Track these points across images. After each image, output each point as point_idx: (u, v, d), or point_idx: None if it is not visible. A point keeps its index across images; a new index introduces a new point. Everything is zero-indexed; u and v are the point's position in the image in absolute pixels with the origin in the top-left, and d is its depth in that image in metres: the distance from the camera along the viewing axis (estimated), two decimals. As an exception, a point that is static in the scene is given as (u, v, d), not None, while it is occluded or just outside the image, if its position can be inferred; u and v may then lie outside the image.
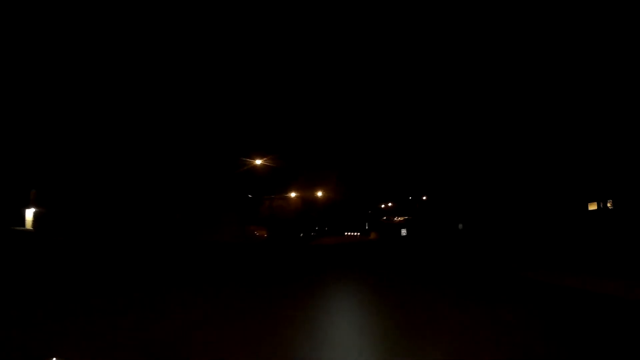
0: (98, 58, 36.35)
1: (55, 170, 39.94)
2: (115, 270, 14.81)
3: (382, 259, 21.42)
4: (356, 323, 6.45)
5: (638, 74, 23.65)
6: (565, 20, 27.69)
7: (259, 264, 18.29)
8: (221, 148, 39.99)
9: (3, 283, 10.86)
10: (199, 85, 40.79)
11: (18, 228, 41.61)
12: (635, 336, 5.59)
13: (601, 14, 25.04)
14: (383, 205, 71.37)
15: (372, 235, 53.46)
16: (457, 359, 4.72)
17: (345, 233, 50.21)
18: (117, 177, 38.14)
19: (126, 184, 38.46)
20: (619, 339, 5.41)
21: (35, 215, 43.31)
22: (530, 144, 32.77)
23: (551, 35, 29.10)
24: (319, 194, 46.31)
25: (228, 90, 40.39)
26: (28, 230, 41.61)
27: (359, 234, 52.07)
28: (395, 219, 70.32)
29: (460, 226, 50.76)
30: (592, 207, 29.16)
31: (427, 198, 68.28)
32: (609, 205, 28.15)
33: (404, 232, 55.26)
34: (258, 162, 36.70)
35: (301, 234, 42.31)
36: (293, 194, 44.13)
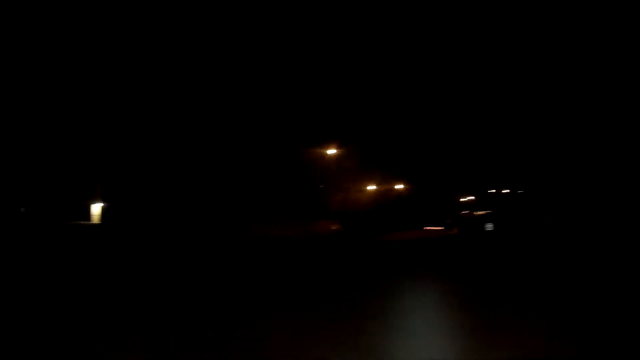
0: (160, 53, 34.98)
1: (118, 164, 39.12)
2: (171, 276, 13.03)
3: (473, 258, 18.67)
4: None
5: None
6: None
7: (322, 269, 14.73)
8: (289, 136, 36.70)
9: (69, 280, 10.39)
10: (265, 68, 37.80)
11: (84, 222, 40.89)
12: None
13: None
14: (463, 199, 66.21)
15: (454, 231, 49.00)
16: None
17: (425, 227, 45.62)
18: (178, 169, 36.39)
19: (186, 174, 36.56)
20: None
21: (102, 209, 42.50)
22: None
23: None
24: (398, 186, 42.14)
25: (302, 75, 37.21)
26: (95, 225, 40.73)
27: (440, 228, 47.45)
28: (476, 212, 65.11)
29: (550, 220, 48.24)
30: None
31: (510, 191, 64.64)
32: None
33: (489, 226, 50.81)
34: (331, 151, 33.10)
35: (379, 228, 38.15)
36: (370, 186, 40.22)
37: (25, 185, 40.26)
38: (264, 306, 8.59)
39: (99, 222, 41.08)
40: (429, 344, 5.81)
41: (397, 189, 43.85)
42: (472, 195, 71.85)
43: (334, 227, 37.54)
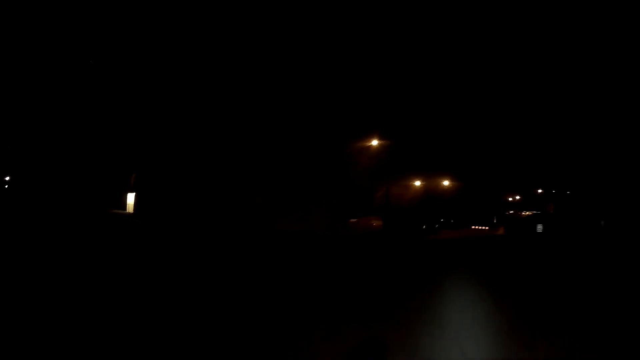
0: (192, 49, 34.17)
1: (151, 157, 38.54)
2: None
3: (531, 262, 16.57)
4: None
5: None
6: None
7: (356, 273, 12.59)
8: (329, 127, 34.62)
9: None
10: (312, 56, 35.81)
11: (118, 211, 40.22)
12: None
13: None
14: (510, 199, 63.17)
15: (500, 230, 46.73)
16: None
17: (472, 226, 42.99)
18: (207, 160, 35.16)
19: (215, 166, 35.22)
20: None
21: (135, 199, 41.79)
22: None
23: None
24: (444, 182, 39.50)
25: (345, 63, 35.07)
26: (128, 214, 40.01)
27: (486, 228, 44.89)
28: (524, 213, 62.45)
29: (603, 223, 45.18)
30: None
31: (558, 191, 61.75)
32: None
33: (539, 227, 48.13)
34: (374, 142, 30.72)
35: (423, 226, 35.66)
36: (414, 182, 37.76)
37: (70, 176, 41.19)
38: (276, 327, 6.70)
39: (132, 212, 40.48)
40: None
41: (443, 185, 41.17)
42: (517, 194, 68.92)
43: (375, 224, 35.38)
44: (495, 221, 50.63)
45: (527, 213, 67.40)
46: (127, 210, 41.47)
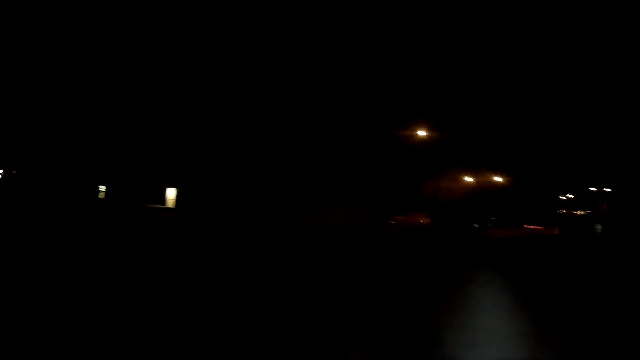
0: (235, 47, 33.65)
1: (191, 153, 38.08)
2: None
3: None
4: None
5: None
6: None
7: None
8: (374, 115, 32.82)
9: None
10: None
11: (159, 206, 39.74)
12: None
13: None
14: (563, 197, 60.02)
15: (556, 231, 44.02)
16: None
17: (525, 226, 40.36)
18: (245, 155, 34.09)
19: (253, 161, 34.04)
20: None
21: (176, 193, 41.28)
22: None
23: None
24: (496, 178, 37.09)
25: (397, 49, 33.28)
26: (169, 209, 39.41)
27: (539, 227, 42.22)
28: (576, 212, 59.30)
29: None
30: None
31: (614, 190, 58.34)
32: None
33: (598, 228, 45.09)
34: (422, 133, 28.70)
35: (474, 225, 33.42)
36: (466, 177, 35.51)
37: (109, 170, 41.62)
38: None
39: (173, 206, 39.92)
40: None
41: (495, 181, 38.72)
42: (569, 193, 65.82)
43: (422, 220, 33.45)
44: (549, 221, 47.68)
45: (581, 212, 63.99)
46: (168, 205, 40.99)
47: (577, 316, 7.73)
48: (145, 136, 39.70)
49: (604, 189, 60.23)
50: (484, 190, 38.25)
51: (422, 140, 29.64)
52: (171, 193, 41.92)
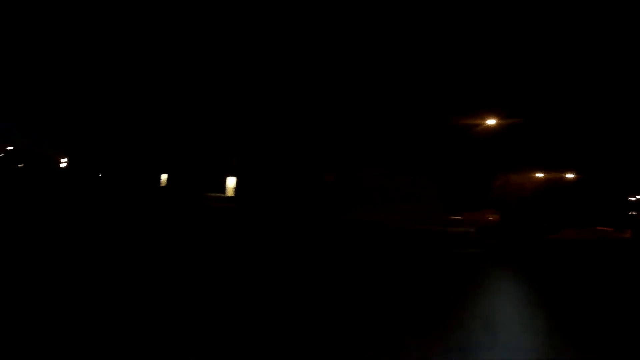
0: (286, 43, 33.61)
1: (250, 145, 38.39)
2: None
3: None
4: None
5: None
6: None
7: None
8: (437, 102, 31.58)
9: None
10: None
11: (219, 194, 40.20)
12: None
13: None
14: (633, 198, 56.56)
15: (628, 234, 41.53)
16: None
17: (597, 227, 38.14)
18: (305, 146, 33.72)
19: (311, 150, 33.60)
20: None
21: (236, 183, 41.73)
22: None
23: None
24: (568, 175, 35.15)
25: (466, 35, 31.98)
26: (228, 197, 39.86)
27: (609, 229, 39.96)
28: (647, 214, 55.39)
29: None
30: None
31: None
32: None
33: None
34: (491, 122, 27.25)
35: (545, 224, 31.74)
36: (536, 173, 33.83)
37: (171, 160, 42.92)
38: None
39: (232, 195, 40.42)
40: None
41: (566, 179, 36.74)
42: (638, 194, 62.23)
43: (490, 218, 32.12)
44: (621, 223, 44.92)
45: (651, 215, 60.32)
46: (227, 194, 41.52)
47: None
48: (209, 127, 40.67)
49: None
50: (555, 188, 36.34)
51: (493, 133, 28.30)
52: (231, 182, 42.49)
